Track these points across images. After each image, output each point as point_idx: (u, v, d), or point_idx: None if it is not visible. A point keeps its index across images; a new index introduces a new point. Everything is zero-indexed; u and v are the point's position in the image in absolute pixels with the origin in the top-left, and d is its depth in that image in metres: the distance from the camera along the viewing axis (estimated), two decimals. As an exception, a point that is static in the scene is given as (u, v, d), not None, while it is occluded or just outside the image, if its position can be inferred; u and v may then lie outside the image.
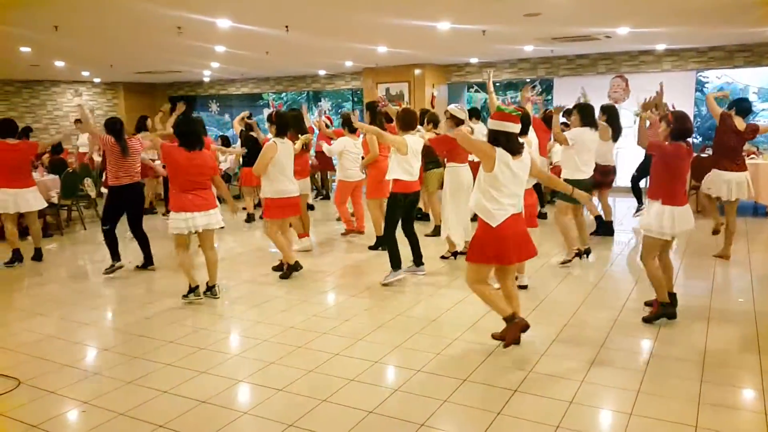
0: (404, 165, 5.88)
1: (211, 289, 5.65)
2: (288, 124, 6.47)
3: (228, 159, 11.84)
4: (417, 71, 12.88)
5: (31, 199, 7.02)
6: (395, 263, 5.99)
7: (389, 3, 6.14)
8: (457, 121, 6.77)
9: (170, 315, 5.26)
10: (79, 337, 4.83)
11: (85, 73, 13.73)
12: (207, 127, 18.98)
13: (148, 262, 6.78)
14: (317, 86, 15.33)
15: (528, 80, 12.52)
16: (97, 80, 15.56)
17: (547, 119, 8.89)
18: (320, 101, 22.82)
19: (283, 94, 19.51)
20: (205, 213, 5.35)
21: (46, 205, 7.50)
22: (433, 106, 13.06)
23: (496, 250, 4.01)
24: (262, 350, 4.40)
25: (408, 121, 6.07)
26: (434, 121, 8.08)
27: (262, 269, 6.69)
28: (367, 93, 13.53)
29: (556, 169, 9.96)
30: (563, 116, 10.57)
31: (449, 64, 13.40)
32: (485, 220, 4.00)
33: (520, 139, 5.09)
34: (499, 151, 3.92)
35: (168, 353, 4.37)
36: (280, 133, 6.24)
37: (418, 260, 6.28)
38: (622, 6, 6.70)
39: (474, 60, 12.74)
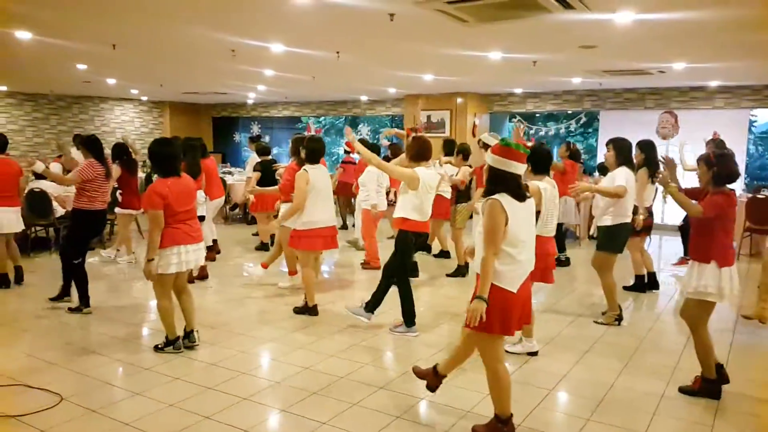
0: (415, 202, 5.18)
1: (189, 335, 4.98)
2: (322, 150, 6.08)
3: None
4: (459, 100, 12.86)
5: (13, 220, 6.67)
6: (408, 318, 5.36)
7: (443, 34, 6.10)
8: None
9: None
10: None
11: (134, 91, 14.05)
12: (244, 149, 19.23)
13: (64, 293, 6.15)
14: (358, 111, 15.41)
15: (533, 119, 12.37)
16: (144, 98, 15.91)
17: (574, 155, 8.67)
18: (359, 126, 23.00)
19: (322, 118, 19.69)
20: (196, 246, 4.79)
21: (23, 228, 7.03)
22: (474, 135, 12.99)
23: (514, 317, 3.32)
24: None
25: (421, 152, 5.31)
26: (464, 153, 7.88)
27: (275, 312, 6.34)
28: (407, 120, 13.54)
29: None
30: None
31: (492, 94, 13.34)
32: (501, 286, 3.24)
33: (541, 183, 4.71)
34: (505, 199, 3.24)
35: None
36: (311, 159, 5.85)
37: (410, 318, 5.46)
38: (682, 41, 6.54)
39: (518, 90, 12.65)
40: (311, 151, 5.89)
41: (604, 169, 9.49)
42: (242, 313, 6.05)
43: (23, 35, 6.59)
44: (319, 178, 5.84)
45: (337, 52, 7.28)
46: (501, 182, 3.30)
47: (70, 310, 5.91)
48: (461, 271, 7.66)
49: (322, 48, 7.07)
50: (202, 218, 7.44)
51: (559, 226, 8.37)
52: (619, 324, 5.71)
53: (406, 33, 6.07)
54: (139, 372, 4.48)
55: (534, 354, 4.86)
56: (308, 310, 5.96)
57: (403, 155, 6.28)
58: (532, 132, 13.89)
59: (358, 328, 5.48)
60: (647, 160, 6.38)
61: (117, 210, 8.09)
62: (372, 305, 5.38)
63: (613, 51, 7.16)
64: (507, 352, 4.72)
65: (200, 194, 7.09)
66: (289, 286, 6.94)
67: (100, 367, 4.57)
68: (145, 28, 6.21)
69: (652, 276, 7.06)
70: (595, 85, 11.54)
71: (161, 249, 4.63)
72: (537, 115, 14.07)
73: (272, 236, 9.56)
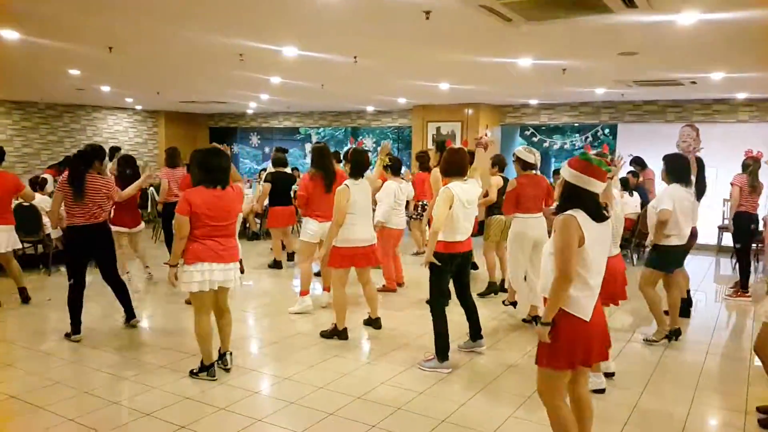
0: (448, 222, 4.66)
1: (223, 357, 4.70)
2: (367, 163, 5.66)
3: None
4: (468, 111, 12.29)
5: (9, 239, 6.31)
6: (441, 351, 4.81)
7: (477, 35, 5.52)
8: (524, 165, 6.10)
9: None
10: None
11: (129, 100, 13.40)
12: (243, 161, 18.68)
13: (130, 316, 5.76)
14: (362, 122, 14.83)
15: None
16: (138, 107, 15.26)
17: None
18: (359, 138, 22.42)
19: (321, 129, 19.17)
20: (225, 266, 4.38)
21: (20, 246, 6.71)
22: (485, 149, 12.41)
23: (585, 348, 2.92)
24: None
25: (457, 166, 4.83)
26: (500, 164, 7.43)
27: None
28: (416, 131, 12.96)
29: (627, 222, 9.20)
30: (631, 165, 9.88)
31: (505, 105, 12.80)
32: (572, 313, 2.88)
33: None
34: (581, 216, 2.87)
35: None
36: (355, 173, 5.49)
37: (475, 333, 5.18)
38: (732, 47, 6.00)
39: (533, 102, 12.11)
40: (356, 163, 5.51)
41: (625, 183, 8.98)
42: (274, 335, 5.63)
43: (10, 35, 5.94)
44: (360, 193, 5.43)
45: (355, 57, 6.69)
46: (577, 201, 2.93)
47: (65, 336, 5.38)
48: (493, 288, 7.13)
49: (339, 51, 6.47)
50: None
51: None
52: (669, 341, 5.49)
53: (438, 34, 5.49)
54: (180, 401, 4.07)
55: (601, 392, 4.24)
56: (338, 333, 5.53)
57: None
58: (545, 144, 13.36)
59: (394, 351, 5.07)
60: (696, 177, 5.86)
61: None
62: (442, 351, 4.82)
63: (653, 59, 6.63)
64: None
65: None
66: (301, 309, 6.38)
67: (136, 396, 4.16)
68: (146, 29, 5.58)
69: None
70: (615, 97, 11.02)
71: (185, 264, 4.27)
72: (542, 128, 13.51)
73: (290, 254, 8.99)
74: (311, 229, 6.30)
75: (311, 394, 4.26)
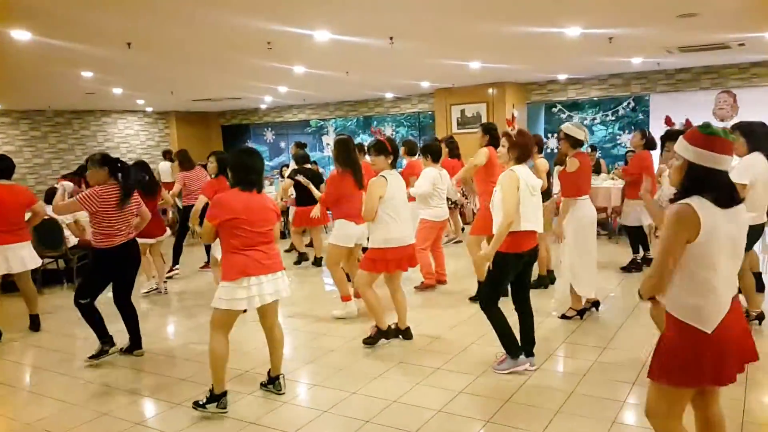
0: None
1: (274, 381, 4.16)
2: (398, 152, 5.20)
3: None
4: (491, 91, 11.78)
5: (26, 257, 5.68)
6: (511, 346, 4.31)
7: (527, 3, 5.05)
8: (575, 142, 5.61)
9: None
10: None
11: (140, 102, 12.97)
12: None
13: (135, 345, 5.07)
14: (380, 110, 14.35)
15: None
16: (149, 109, 14.84)
17: (649, 144, 7.57)
18: (372, 126, 21.93)
19: (334, 120, 18.71)
20: (273, 276, 3.88)
21: (40, 263, 6.03)
22: (513, 128, 11.93)
23: (714, 364, 2.39)
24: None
25: (528, 149, 4.33)
26: (539, 146, 6.89)
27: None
28: (439, 115, 12.48)
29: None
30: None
31: (530, 83, 12.29)
32: (689, 324, 2.39)
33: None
34: (700, 204, 2.35)
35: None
36: (394, 164, 5.02)
37: (529, 347, 4.44)
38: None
39: (562, 77, 11.59)
40: (395, 153, 5.01)
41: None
42: (298, 354, 4.98)
43: (21, 35, 5.52)
44: (397, 186, 4.89)
45: (391, 38, 6.22)
46: (704, 183, 2.39)
47: (93, 357, 4.85)
48: (543, 281, 6.60)
49: (375, 33, 6.03)
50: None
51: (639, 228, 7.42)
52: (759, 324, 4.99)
53: (484, 5, 5.01)
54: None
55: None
56: (384, 333, 5.02)
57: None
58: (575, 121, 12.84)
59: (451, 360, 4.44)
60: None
61: None
62: (511, 346, 4.33)
63: (713, 19, 6.13)
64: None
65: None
66: (345, 314, 5.83)
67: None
68: (169, 16, 5.14)
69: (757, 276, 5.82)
70: (649, 66, 10.48)
71: (227, 281, 3.74)
72: (568, 104, 12.97)
73: (318, 258, 8.54)
74: (348, 232, 5.68)
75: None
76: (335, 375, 4.44)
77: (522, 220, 4.17)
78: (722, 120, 11.02)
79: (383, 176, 4.87)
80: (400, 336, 5.15)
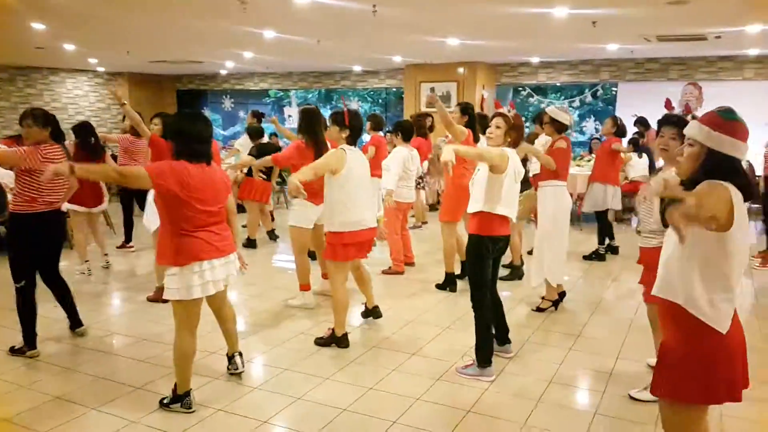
0: (493, 189, 3.94)
1: (232, 359, 3.92)
2: (362, 128, 4.67)
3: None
4: (460, 70, 11.55)
5: None
6: (486, 359, 3.96)
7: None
8: (559, 127, 5.46)
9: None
10: None
11: (93, 60, 12.18)
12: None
13: (74, 323, 4.67)
14: (347, 84, 13.95)
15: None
16: (101, 69, 14.00)
17: (621, 131, 7.58)
18: (333, 100, 21.45)
19: (292, 91, 18.19)
20: (226, 260, 3.47)
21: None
22: (482, 110, 11.80)
23: (729, 374, 2.20)
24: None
25: (521, 133, 4.27)
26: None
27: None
28: (408, 92, 12.20)
29: (634, 186, 8.71)
30: (635, 126, 9.34)
31: (501, 64, 12.13)
32: (705, 322, 2.19)
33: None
34: (735, 192, 2.13)
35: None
36: (353, 140, 4.45)
37: (504, 334, 4.32)
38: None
39: (535, 59, 11.47)
40: (353, 129, 4.42)
41: (635, 144, 8.44)
42: (269, 340, 4.65)
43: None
44: (358, 163, 4.41)
45: (374, 6, 5.90)
46: (724, 171, 2.17)
47: (12, 351, 4.29)
48: (517, 273, 6.39)
49: None
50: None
51: (605, 212, 7.38)
52: None
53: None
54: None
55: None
56: (336, 340, 4.49)
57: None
58: (543, 106, 12.77)
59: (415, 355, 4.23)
60: None
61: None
62: (484, 354, 3.97)
63: (701, 9, 6.05)
64: (632, 398, 3.63)
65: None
66: (301, 305, 5.40)
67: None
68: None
69: None
70: (622, 54, 10.46)
71: (178, 267, 3.30)
72: (537, 88, 12.90)
73: (270, 231, 8.22)
74: (307, 213, 5.28)
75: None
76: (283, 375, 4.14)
77: (500, 204, 3.94)
78: (685, 112, 11.21)
79: (343, 149, 4.36)
80: (371, 317, 4.91)
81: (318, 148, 5.08)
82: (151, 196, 5.27)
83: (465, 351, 4.30)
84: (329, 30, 7.70)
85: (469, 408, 3.53)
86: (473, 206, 4.03)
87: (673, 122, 3.42)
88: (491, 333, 4.07)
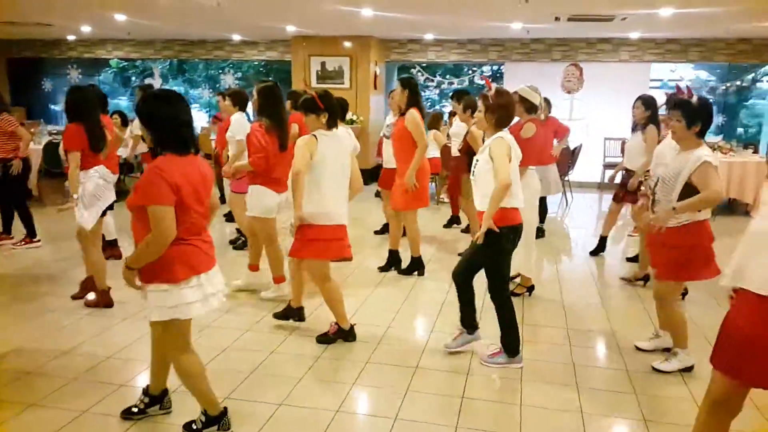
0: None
1: (163, 400, 3.18)
2: (337, 107, 4.12)
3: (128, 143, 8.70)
4: (346, 44, 10.96)
5: None
6: (516, 345, 3.84)
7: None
8: (530, 107, 5.29)
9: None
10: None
11: None
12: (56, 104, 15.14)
13: None
14: (220, 54, 12.69)
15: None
16: None
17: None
18: (186, 73, 19.65)
19: (158, 62, 16.38)
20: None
21: None
22: (375, 87, 11.36)
23: None
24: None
25: (507, 111, 3.77)
26: (472, 107, 6.46)
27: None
28: (297, 66, 11.34)
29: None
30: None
31: (391, 40, 11.72)
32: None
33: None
34: None
35: None
36: (331, 123, 4.00)
37: (475, 323, 4.06)
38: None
39: (429, 36, 11.20)
40: (331, 110, 3.98)
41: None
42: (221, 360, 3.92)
43: None
44: (332, 149, 3.93)
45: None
46: None
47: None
48: None
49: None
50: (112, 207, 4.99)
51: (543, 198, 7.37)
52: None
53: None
54: None
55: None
56: (344, 334, 4.16)
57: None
58: (432, 84, 12.57)
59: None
60: (653, 118, 5.68)
61: None
62: (513, 346, 3.84)
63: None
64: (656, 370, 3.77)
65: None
66: (275, 297, 4.93)
67: None
68: None
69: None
70: (505, 33, 10.57)
71: (173, 285, 2.65)
72: (416, 67, 12.69)
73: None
74: (267, 202, 4.72)
75: None
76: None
77: (510, 196, 3.65)
78: (569, 92, 11.67)
79: (314, 136, 3.91)
80: (290, 319, 4.39)
81: (283, 132, 4.64)
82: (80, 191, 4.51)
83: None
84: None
85: (461, 394, 3.41)
86: (483, 202, 3.66)
87: (678, 105, 3.53)
88: (516, 324, 3.84)
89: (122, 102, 18.52)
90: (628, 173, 5.91)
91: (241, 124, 5.53)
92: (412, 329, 4.49)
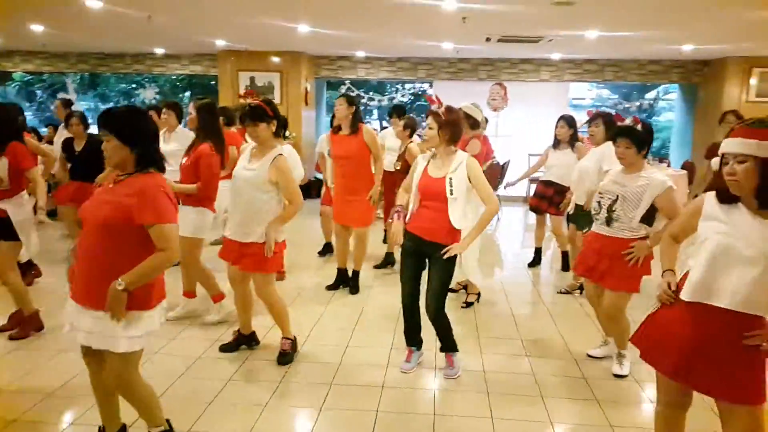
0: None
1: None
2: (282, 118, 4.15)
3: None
4: (275, 59, 10.84)
5: None
6: (453, 344, 3.94)
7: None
8: (473, 123, 5.44)
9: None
10: None
11: None
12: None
13: None
14: (140, 68, 12.17)
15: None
16: None
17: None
18: (98, 87, 18.81)
19: (71, 75, 15.54)
20: None
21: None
22: (306, 103, 11.25)
23: None
24: None
25: (456, 128, 3.70)
26: (412, 128, 6.47)
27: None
28: (224, 82, 11.07)
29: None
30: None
31: (321, 56, 11.66)
32: None
33: None
34: None
35: None
36: (281, 131, 4.21)
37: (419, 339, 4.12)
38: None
39: (360, 53, 11.24)
40: (279, 119, 3.94)
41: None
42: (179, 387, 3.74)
43: None
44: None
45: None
46: None
47: None
48: (389, 259, 6.44)
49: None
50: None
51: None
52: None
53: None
54: None
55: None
56: (293, 346, 4.10)
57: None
58: (363, 100, 12.60)
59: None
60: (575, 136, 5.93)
61: None
62: (453, 344, 3.94)
63: (587, 10, 6.30)
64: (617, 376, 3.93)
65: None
66: (221, 319, 4.69)
67: None
68: None
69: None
70: (434, 53, 10.81)
71: (146, 311, 2.51)
72: (346, 84, 12.71)
73: None
74: (206, 222, 4.55)
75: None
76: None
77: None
78: (495, 110, 11.99)
79: (281, 155, 3.79)
80: (246, 344, 4.23)
81: (222, 149, 4.55)
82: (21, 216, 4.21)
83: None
84: (164, 3, 6.51)
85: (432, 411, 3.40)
86: (462, 222, 3.63)
87: (626, 133, 3.69)
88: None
89: (29, 117, 17.52)
90: (549, 186, 6.07)
91: (188, 138, 5.08)
92: (370, 347, 4.41)
